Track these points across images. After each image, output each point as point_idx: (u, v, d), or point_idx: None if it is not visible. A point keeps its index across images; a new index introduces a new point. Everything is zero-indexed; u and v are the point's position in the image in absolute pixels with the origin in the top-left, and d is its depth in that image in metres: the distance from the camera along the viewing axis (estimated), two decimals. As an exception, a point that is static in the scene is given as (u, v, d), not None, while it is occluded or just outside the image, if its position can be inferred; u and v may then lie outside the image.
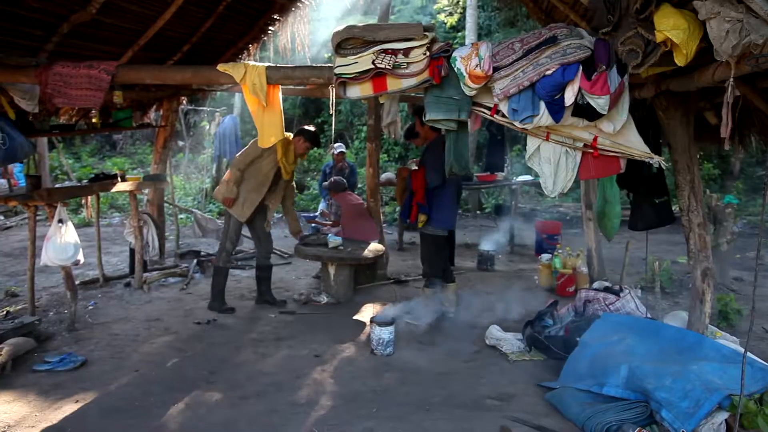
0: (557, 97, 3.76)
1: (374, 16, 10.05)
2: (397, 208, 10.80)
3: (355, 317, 5.78)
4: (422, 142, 5.82)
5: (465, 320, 5.59)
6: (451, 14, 14.99)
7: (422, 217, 5.46)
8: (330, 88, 4.21)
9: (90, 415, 3.67)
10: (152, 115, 7.85)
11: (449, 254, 6.26)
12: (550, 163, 4.15)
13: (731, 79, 2.95)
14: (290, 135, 5.85)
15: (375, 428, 3.53)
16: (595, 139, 3.98)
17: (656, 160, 3.95)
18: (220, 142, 10.86)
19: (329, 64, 4.15)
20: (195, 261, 7.49)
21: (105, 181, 6.54)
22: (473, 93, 3.96)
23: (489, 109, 4.05)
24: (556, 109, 3.80)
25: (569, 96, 3.72)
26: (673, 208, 4.93)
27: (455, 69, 3.90)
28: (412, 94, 5.60)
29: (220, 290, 5.93)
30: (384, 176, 9.35)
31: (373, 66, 3.93)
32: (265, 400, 3.93)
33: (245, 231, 6.23)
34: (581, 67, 3.65)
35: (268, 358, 4.69)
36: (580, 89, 3.67)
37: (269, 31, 7.02)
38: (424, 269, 5.88)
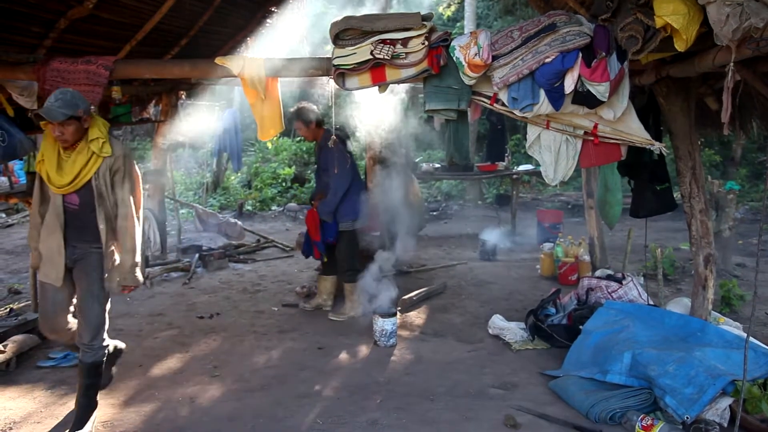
0: (557, 84, 3.74)
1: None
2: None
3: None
4: (312, 139, 5.66)
5: (467, 310, 5.60)
6: (449, 5, 14.95)
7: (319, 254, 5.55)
8: (328, 79, 4.19)
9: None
10: (151, 110, 7.83)
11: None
12: (550, 152, 4.14)
13: (732, 64, 2.93)
14: None
15: (379, 419, 3.54)
16: (595, 126, 3.96)
17: (657, 147, 3.93)
18: (221, 136, 10.85)
19: (327, 56, 4.13)
20: (197, 256, 7.49)
21: (105, 176, 6.51)
22: (472, 82, 3.93)
23: (489, 98, 4.03)
24: (556, 97, 3.78)
25: (569, 83, 3.70)
26: (674, 195, 4.92)
27: (454, 58, 3.88)
28: (412, 85, 5.54)
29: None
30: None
31: (371, 56, 3.90)
32: (270, 392, 3.94)
33: None
34: (581, 54, 3.63)
35: (272, 351, 4.70)
36: (579, 76, 3.65)
37: (268, 24, 6.99)
38: (350, 265, 5.55)
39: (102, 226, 3.38)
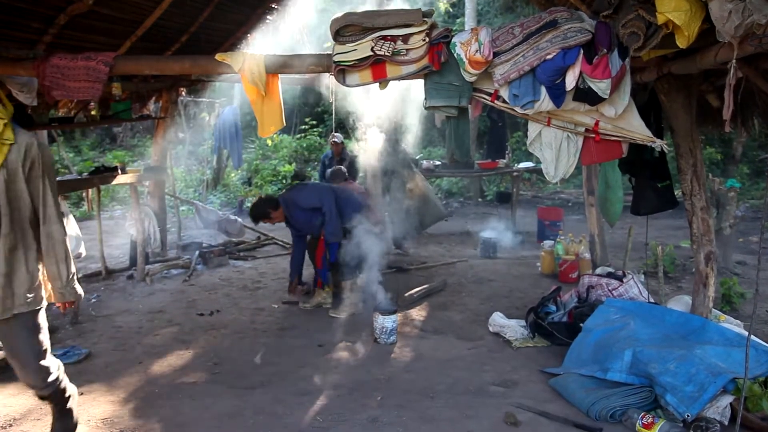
0: (558, 81, 3.73)
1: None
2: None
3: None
4: (282, 220, 5.66)
5: (468, 308, 5.59)
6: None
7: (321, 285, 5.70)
8: (329, 76, 4.18)
9: (94, 408, 3.68)
10: (151, 107, 7.83)
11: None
12: (551, 149, 4.13)
13: (734, 60, 2.92)
14: None
15: (379, 416, 3.53)
16: (596, 123, 3.95)
17: (658, 144, 3.93)
18: (220, 133, 10.87)
19: (328, 52, 4.12)
20: (197, 252, 7.49)
21: (105, 173, 6.54)
22: (473, 79, 3.92)
23: (489, 95, 4.02)
24: (557, 94, 3.78)
25: (570, 80, 3.69)
26: (675, 193, 4.91)
27: (455, 55, 3.86)
28: (413, 81, 5.53)
29: None
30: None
31: (372, 53, 3.89)
32: (270, 389, 3.93)
33: None
34: (582, 51, 3.62)
35: (272, 348, 4.69)
36: (581, 73, 3.64)
37: (268, 20, 6.98)
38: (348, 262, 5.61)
39: (4, 234, 2.63)
